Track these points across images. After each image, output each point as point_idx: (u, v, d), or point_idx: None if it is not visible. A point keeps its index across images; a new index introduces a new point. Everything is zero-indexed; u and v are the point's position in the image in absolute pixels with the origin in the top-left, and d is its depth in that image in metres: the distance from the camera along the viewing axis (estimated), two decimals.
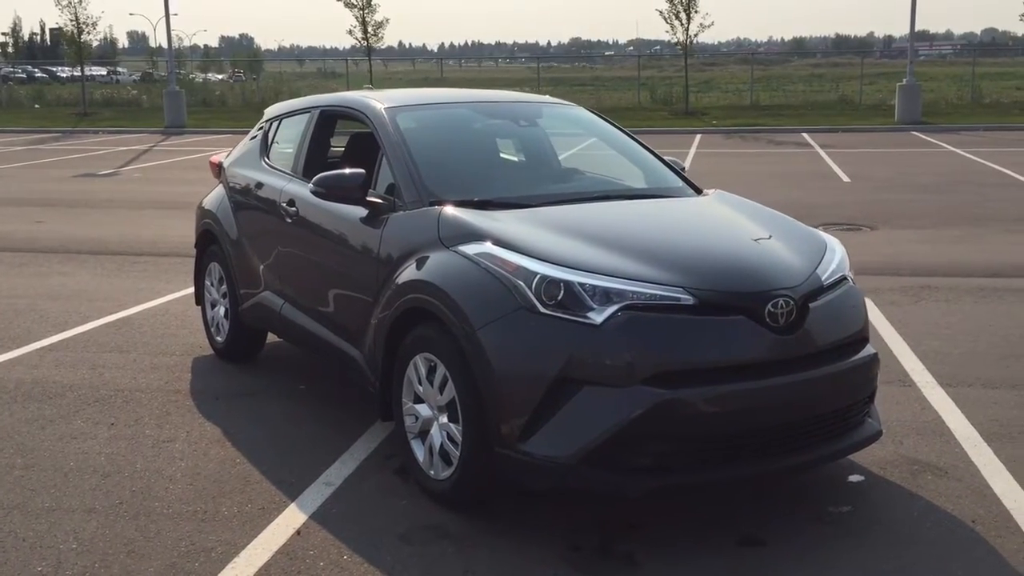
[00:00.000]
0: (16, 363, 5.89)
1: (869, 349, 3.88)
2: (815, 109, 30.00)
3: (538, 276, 3.51)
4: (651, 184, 4.82)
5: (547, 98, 5.67)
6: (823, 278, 3.81)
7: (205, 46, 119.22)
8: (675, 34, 28.65)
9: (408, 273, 3.96)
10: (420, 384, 3.90)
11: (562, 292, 3.47)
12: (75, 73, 36.10)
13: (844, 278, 3.96)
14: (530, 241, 3.70)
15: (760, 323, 3.51)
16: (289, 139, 5.46)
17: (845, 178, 15.41)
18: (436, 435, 3.84)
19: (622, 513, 3.76)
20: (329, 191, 4.34)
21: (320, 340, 4.77)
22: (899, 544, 3.55)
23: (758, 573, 3.38)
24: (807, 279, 3.72)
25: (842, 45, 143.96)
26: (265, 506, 3.89)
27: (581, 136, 5.33)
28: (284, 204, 5.01)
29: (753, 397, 3.45)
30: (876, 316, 6.83)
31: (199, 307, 6.23)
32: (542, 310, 3.46)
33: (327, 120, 5.23)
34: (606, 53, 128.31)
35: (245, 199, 5.55)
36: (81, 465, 4.31)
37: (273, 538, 3.61)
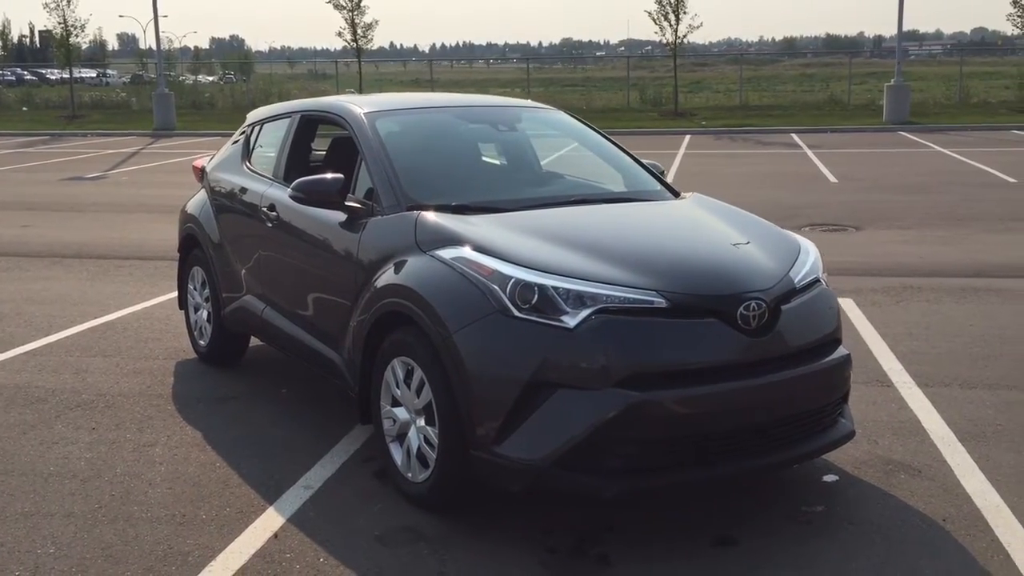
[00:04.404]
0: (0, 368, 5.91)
1: (842, 350, 3.91)
2: (804, 109, 30.10)
3: (512, 280, 3.54)
4: (629, 187, 4.86)
5: (527, 102, 5.70)
6: (796, 281, 3.84)
7: (196, 47, 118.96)
8: (664, 35, 28.74)
9: (385, 277, 3.99)
10: (398, 387, 3.93)
11: (536, 296, 3.50)
12: (64, 75, 36.00)
13: (817, 280, 3.99)
14: (505, 245, 3.73)
15: (732, 326, 3.54)
16: (271, 144, 5.48)
17: (832, 178, 15.48)
18: (414, 438, 3.87)
19: (597, 515, 3.79)
20: (308, 196, 4.37)
21: (300, 344, 4.79)
22: (870, 543, 3.59)
23: (731, 572, 3.41)
24: (780, 282, 3.76)
25: (833, 45, 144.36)
26: (244, 509, 3.91)
27: (561, 140, 5.35)
28: (265, 208, 5.03)
29: (726, 399, 3.48)
30: (857, 316, 6.88)
31: (182, 311, 6.25)
32: (516, 314, 3.49)
33: (308, 125, 5.25)
34: (597, 54, 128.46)
35: (227, 203, 5.57)
36: (61, 470, 4.33)
37: (250, 541, 3.63)
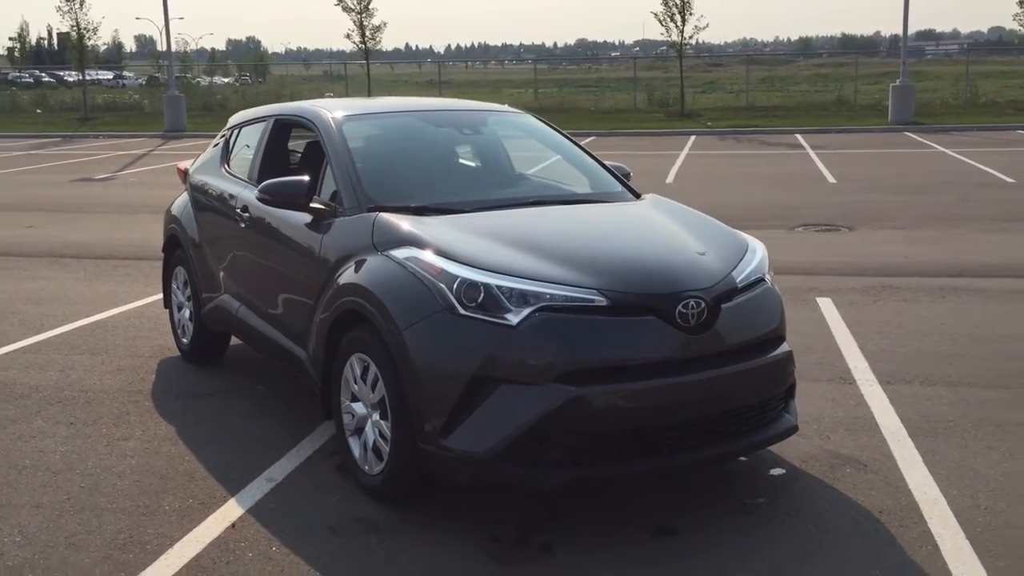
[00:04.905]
0: None
1: (784, 347, 4.03)
2: (810, 110, 30.09)
3: (459, 279, 3.67)
4: (591, 189, 4.99)
5: (495, 106, 5.84)
6: (738, 280, 3.96)
7: (212, 49, 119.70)
8: (670, 35, 28.80)
9: (344, 277, 4.13)
10: (356, 383, 4.07)
11: (482, 295, 3.63)
12: (81, 77, 36.44)
13: (761, 279, 4.11)
14: (455, 246, 3.87)
15: (671, 323, 3.67)
16: (247, 147, 5.63)
17: (831, 179, 15.53)
18: (370, 432, 4.01)
19: (544, 506, 3.92)
20: (274, 197, 4.52)
21: (270, 341, 4.94)
22: (806, 534, 3.71)
23: (668, 561, 3.53)
24: (721, 280, 3.87)
25: (849, 45, 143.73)
26: (206, 501, 4.06)
27: (529, 142, 5.48)
28: (239, 210, 5.19)
29: (663, 393, 3.61)
30: (832, 316, 6.98)
31: (167, 310, 6.41)
32: (462, 312, 3.63)
33: (281, 128, 5.41)
34: (612, 54, 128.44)
35: (206, 205, 5.73)
36: (35, 463, 4.49)
37: (208, 531, 3.78)
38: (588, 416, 3.52)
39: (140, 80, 65.52)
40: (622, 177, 5.16)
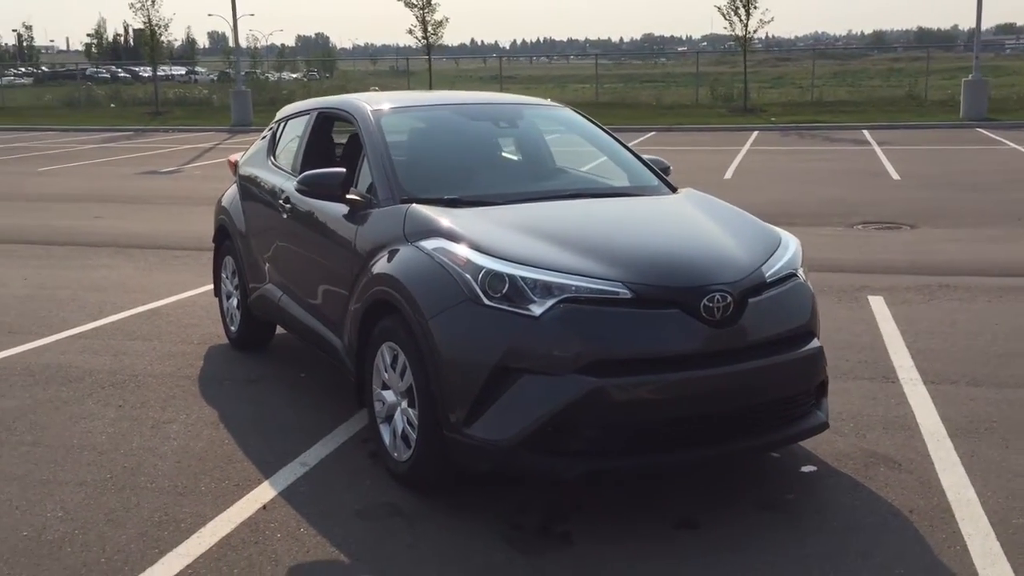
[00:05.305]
0: (47, 349, 6.31)
1: (815, 343, 3.98)
2: (878, 105, 29.49)
3: (484, 270, 3.71)
4: (626, 182, 4.99)
5: (533, 99, 5.86)
6: (767, 274, 3.93)
7: (282, 45, 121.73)
8: (733, 29, 28.46)
9: (376, 267, 4.21)
10: (386, 372, 4.14)
11: (507, 286, 3.67)
12: (153, 73, 37.41)
13: (793, 275, 4.07)
14: (482, 237, 3.91)
15: (696, 316, 3.66)
16: (293, 139, 5.75)
17: (895, 175, 15.24)
18: (399, 420, 4.08)
19: (569, 496, 3.94)
20: (311, 188, 4.61)
21: (310, 330, 5.04)
22: (832, 531, 3.67)
23: (686, 553, 3.53)
24: (749, 275, 3.85)
25: (925, 39, 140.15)
26: (240, 483, 4.17)
27: (562, 135, 5.50)
28: (281, 201, 5.30)
29: (686, 386, 3.60)
30: (882, 314, 6.86)
31: (217, 299, 6.58)
32: (486, 302, 3.67)
33: (324, 121, 5.51)
34: (679, 49, 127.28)
35: (252, 196, 5.86)
36: (83, 442, 4.66)
37: (240, 512, 3.89)
38: (609, 407, 3.54)
39: (212, 75, 66.84)
40: (660, 171, 5.14)
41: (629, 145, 5.40)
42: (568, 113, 5.53)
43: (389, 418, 4.16)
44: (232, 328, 6.26)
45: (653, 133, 23.77)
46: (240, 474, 4.27)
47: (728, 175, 15.81)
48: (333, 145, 5.74)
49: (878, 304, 7.15)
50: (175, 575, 3.41)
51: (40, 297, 7.79)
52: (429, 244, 3.99)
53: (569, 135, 5.43)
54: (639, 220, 4.41)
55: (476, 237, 3.91)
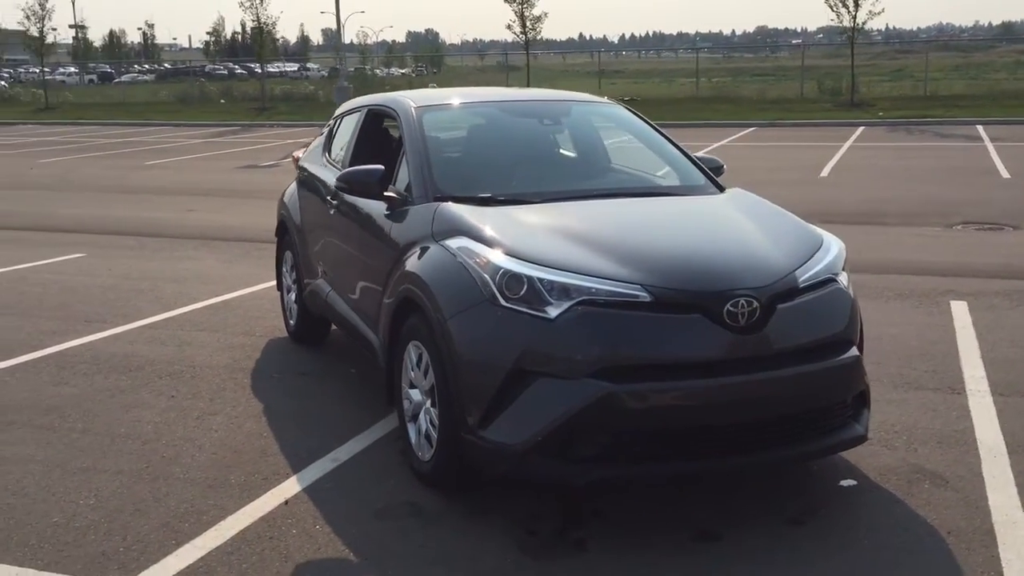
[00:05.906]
0: (117, 338, 6.53)
1: (852, 352, 3.78)
2: (997, 100, 28.10)
3: (501, 270, 3.65)
4: (671, 181, 4.85)
5: (583, 95, 5.76)
6: (801, 279, 3.75)
7: (392, 41, 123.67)
8: (841, 21, 27.56)
9: (406, 265, 4.19)
10: (412, 370, 4.13)
11: (525, 287, 3.60)
12: (271, 70, 38.54)
13: (831, 279, 3.87)
14: (504, 237, 3.85)
15: (718, 322, 3.52)
16: (346, 136, 5.79)
17: (1005, 174, 14.52)
18: (423, 419, 4.05)
19: (589, 502, 3.85)
20: (349, 185, 4.63)
21: (352, 326, 5.08)
22: (861, 550, 3.48)
23: (701, 564, 3.41)
24: (779, 279, 3.68)
25: None
26: (269, 477, 4.22)
27: (612, 131, 5.38)
28: (329, 197, 5.35)
29: (704, 394, 3.47)
30: (962, 320, 6.53)
31: (279, 292, 6.70)
32: (503, 303, 3.61)
33: (373, 118, 5.53)
34: (793, 41, 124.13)
35: (308, 192, 5.94)
36: (129, 431, 4.79)
37: (262, 506, 3.92)
38: (623, 414, 3.43)
39: (323, 72, 68.42)
40: (710, 170, 4.98)
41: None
42: (618, 110, 5.42)
43: (415, 417, 4.15)
44: (291, 322, 6.36)
45: (753, 129, 23.21)
46: (270, 468, 4.32)
47: (825, 172, 15.32)
48: (384, 141, 5.76)
49: (959, 310, 6.80)
50: (187, 567, 3.46)
51: (121, 288, 8.08)
52: (453, 243, 3.95)
53: (618, 132, 5.31)
54: (671, 221, 4.27)
55: (499, 236, 3.86)
